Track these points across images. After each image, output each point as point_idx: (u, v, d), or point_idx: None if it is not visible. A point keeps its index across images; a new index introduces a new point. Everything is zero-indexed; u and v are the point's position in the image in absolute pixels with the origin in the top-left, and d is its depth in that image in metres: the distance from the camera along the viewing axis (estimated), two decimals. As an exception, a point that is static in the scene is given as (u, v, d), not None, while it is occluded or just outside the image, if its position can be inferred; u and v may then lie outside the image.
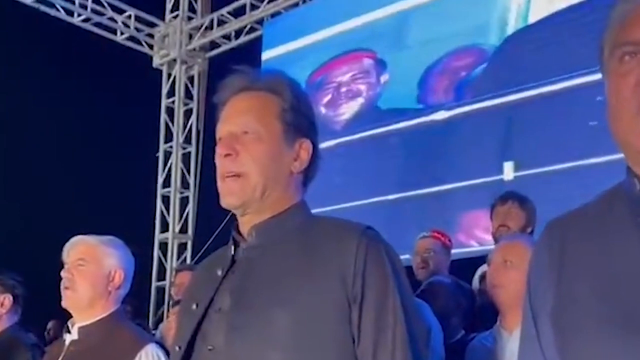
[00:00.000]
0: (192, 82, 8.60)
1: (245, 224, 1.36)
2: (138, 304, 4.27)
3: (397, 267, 1.29)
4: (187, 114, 8.51)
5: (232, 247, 1.35)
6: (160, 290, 8.06)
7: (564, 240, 1.02)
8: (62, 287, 2.17)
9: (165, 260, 8.28)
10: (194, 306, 1.33)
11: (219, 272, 1.33)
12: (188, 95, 8.56)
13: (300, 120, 1.37)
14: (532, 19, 5.65)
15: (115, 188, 7.30)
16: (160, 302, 8.00)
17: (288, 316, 1.22)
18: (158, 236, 8.35)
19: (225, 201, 1.34)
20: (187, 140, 8.49)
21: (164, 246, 8.34)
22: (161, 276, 8.18)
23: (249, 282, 1.29)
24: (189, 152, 8.45)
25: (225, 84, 1.39)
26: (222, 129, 1.36)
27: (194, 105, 8.49)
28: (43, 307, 3.15)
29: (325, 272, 1.24)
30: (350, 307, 1.22)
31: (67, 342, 2.16)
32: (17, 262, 2.91)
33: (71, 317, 2.20)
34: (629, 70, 0.94)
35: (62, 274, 2.18)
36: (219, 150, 1.33)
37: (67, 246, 2.22)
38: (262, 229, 1.34)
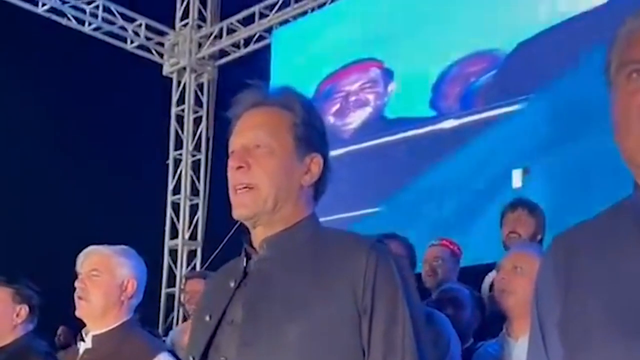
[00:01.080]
0: (201, 90, 8.65)
1: (257, 236, 1.39)
2: (145, 311, 4.29)
3: (406, 279, 1.31)
4: (197, 121, 8.57)
5: (244, 259, 1.38)
6: (170, 297, 8.10)
7: (570, 255, 1.03)
8: (75, 296, 2.21)
9: (175, 267, 8.33)
10: (207, 317, 1.36)
11: (232, 284, 1.36)
12: (198, 103, 8.61)
13: (312, 135, 1.40)
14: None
15: (125, 195, 7.35)
16: (170, 309, 8.04)
17: (299, 329, 1.24)
18: (168, 243, 8.40)
19: (237, 213, 1.36)
20: (197, 147, 8.54)
21: (174, 253, 8.39)
22: (171, 283, 8.21)
23: (261, 294, 1.31)
24: (199, 160, 8.50)
25: (238, 98, 1.43)
26: (235, 143, 1.39)
27: (203, 113, 8.54)
28: (55, 314, 3.18)
29: (335, 285, 1.26)
30: (360, 319, 1.25)
31: (81, 351, 2.19)
32: (30, 270, 2.93)
33: (84, 325, 2.24)
34: (636, 89, 0.94)
35: (76, 284, 2.21)
36: (232, 163, 1.37)
37: (81, 256, 2.25)
38: (274, 241, 1.36)
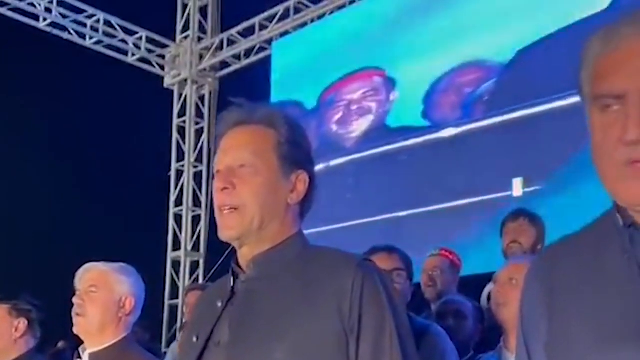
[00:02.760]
0: (203, 102, 8.68)
1: (244, 255, 1.39)
2: (148, 323, 4.30)
3: (392, 297, 1.32)
4: (198, 133, 8.59)
5: (232, 279, 1.38)
6: (173, 309, 8.10)
7: (554, 272, 1.04)
8: (73, 313, 2.21)
9: (178, 278, 8.33)
10: (195, 338, 1.36)
11: (219, 304, 1.36)
12: (199, 114, 8.64)
13: (296, 153, 1.39)
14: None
15: (127, 207, 7.37)
16: (172, 321, 8.04)
17: (285, 348, 1.25)
18: (170, 254, 8.41)
19: (223, 234, 1.36)
20: (199, 159, 8.56)
21: (176, 264, 8.40)
22: (174, 294, 8.22)
23: (248, 315, 1.32)
24: (201, 171, 8.52)
25: (222, 118, 1.43)
26: (219, 163, 1.39)
27: (205, 124, 8.57)
28: (55, 330, 3.19)
29: (322, 304, 1.27)
30: (348, 338, 1.25)
31: (78, 368, 2.20)
32: (30, 284, 2.95)
33: (82, 342, 2.24)
34: (612, 122, 0.93)
35: (74, 300, 2.22)
36: (217, 184, 1.36)
37: (79, 273, 2.25)
38: (260, 260, 1.36)
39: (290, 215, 1.39)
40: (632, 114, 0.91)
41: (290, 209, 1.39)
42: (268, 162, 1.36)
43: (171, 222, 8.42)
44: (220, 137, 1.41)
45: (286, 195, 1.38)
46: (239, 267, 1.39)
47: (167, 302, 8.17)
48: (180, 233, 8.39)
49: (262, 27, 7.98)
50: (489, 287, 3.38)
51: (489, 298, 3.33)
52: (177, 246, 8.40)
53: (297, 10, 7.73)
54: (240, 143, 1.38)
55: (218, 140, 1.42)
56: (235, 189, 1.34)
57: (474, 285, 3.85)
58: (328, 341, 1.24)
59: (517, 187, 5.45)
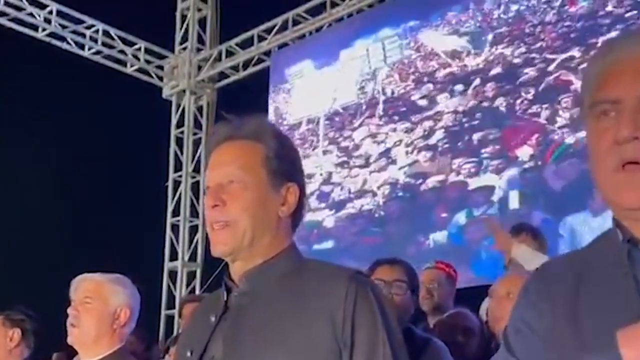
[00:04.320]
0: (201, 113, 8.70)
1: (237, 270, 1.39)
2: (144, 334, 4.29)
3: (385, 309, 1.32)
4: (196, 143, 8.60)
5: (225, 293, 1.38)
6: (170, 319, 8.08)
7: (552, 285, 1.05)
8: (68, 323, 2.21)
9: (175, 288, 8.32)
10: (189, 353, 1.36)
11: (212, 319, 1.36)
12: (197, 125, 8.66)
13: (285, 165, 1.39)
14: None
15: (125, 217, 7.36)
16: (169, 331, 8.01)
17: None
18: (167, 264, 8.40)
19: (216, 250, 1.37)
20: (196, 169, 8.56)
21: (173, 275, 8.38)
22: (170, 305, 8.20)
23: (241, 329, 1.32)
24: (198, 181, 8.52)
25: (211, 135, 1.44)
26: (209, 179, 1.40)
27: (202, 135, 8.58)
28: (50, 341, 3.19)
29: (315, 318, 1.27)
30: (341, 351, 1.26)
31: (72, 379, 2.20)
32: (25, 295, 2.95)
33: (76, 352, 2.24)
34: (606, 128, 0.97)
35: (69, 310, 2.22)
36: (207, 202, 1.37)
37: (74, 283, 2.26)
38: (253, 275, 1.36)
39: (282, 228, 1.39)
40: (625, 115, 0.95)
41: (281, 222, 1.39)
42: (257, 177, 1.37)
43: (168, 232, 8.42)
44: (210, 153, 1.42)
45: (277, 208, 1.38)
46: (232, 281, 1.39)
47: (163, 312, 8.15)
48: (177, 243, 8.38)
49: (261, 39, 8.01)
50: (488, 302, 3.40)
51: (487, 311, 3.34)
52: (174, 256, 8.39)
53: (296, 22, 7.76)
54: (228, 159, 1.39)
55: (208, 156, 1.43)
56: (226, 206, 1.35)
57: (474, 297, 3.86)
58: (321, 352, 1.25)
59: (514, 200, 5.49)
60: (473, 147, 5.95)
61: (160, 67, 8.71)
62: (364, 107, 6.89)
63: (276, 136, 1.40)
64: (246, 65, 8.31)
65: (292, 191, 1.40)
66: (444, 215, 5.93)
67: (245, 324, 1.32)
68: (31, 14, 7.74)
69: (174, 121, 8.68)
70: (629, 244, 0.98)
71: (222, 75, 8.59)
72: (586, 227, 5.00)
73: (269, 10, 7.74)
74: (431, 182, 6.11)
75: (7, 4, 7.61)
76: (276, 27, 7.85)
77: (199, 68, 8.59)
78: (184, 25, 8.70)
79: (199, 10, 8.67)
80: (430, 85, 6.42)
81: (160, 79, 8.77)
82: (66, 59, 7.95)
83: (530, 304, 1.06)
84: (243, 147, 1.39)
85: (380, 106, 6.75)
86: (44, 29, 7.84)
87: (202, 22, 8.71)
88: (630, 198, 0.95)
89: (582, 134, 5.22)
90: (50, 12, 7.82)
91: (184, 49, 8.65)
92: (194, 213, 8.47)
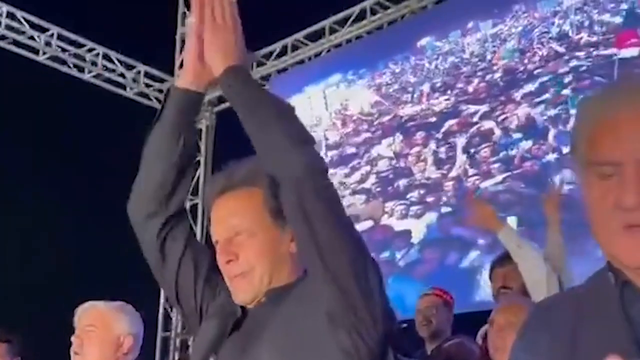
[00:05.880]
0: (200, 136, 8.73)
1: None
2: (141, 355, 4.30)
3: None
4: (195, 166, 8.62)
5: (239, 309, 1.43)
6: (166, 341, 8.06)
7: (549, 325, 1.06)
8: (72, 351, 2.24)
9: (171, 310, 8.30)
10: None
11: (226, 329, 1.42)
12: (196, 148, 8.67)
13: None
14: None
15: (121, 240, 7.36)
16: (165, 353, 8.00)
17: (274, 346, 1.32)
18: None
19: (238, 298, 1.42)
20: (194, 192, 8.57)
21: (170, 297, 8.37)
22: (167, 327, 8.19)
23: (253, 338, 1.37)
24: (196, 204, 8.53)
25: (207, 187, 1.50)
26: (216, 234, 1.44)
27: (201, 158, 8.61)
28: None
29: (311, 307, 1.31)
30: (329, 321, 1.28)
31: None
32: (28, 323, 2.97)
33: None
34: (608, 189, 0.95)
35: (72, 339, 2.25)
36: (220, 259, 1.42)
37: (78, 311, 2.29)
38: (271, 294, 1.41)
39: (295, 262, 1.42)
40: (629, 181, 0.93)
41: (293, 257, 1.42)
42: (261, 221, 1.40)
43: (165, 254, 8.41)
44: (209, 206, 1.47)
45: (287, 245, 1.41)
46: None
47: (159, 334, 8.13)
48: (175, 266, 8.37)
49: (260, 64, 8.09)
50: (485, 328, 3.42)
51: (483, 339, 3.36)
52: (171, 279, 8.39)
53: (295, 48, 7.85)
54: (229, 212, 1.43)
55: (207, 209, 1.48)
56: (239, 259, 1.39)
57: (466, 322, 3.89)
58: (318, 332, 1.28)
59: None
60: (400, 193, 6.39)
61: (160, 91, 8.76)
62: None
63: (270, 176, 1.40)
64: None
65: None
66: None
67: (255, 332, 1.36)
68: (32, 37, 7.81)
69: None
70: (623, 286, 0.99)
71: (222, 99, 8.63)
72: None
73: (268, 35, 7.82)
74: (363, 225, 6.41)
75: (8, 27, 7.67)
76: (275, 52, 7.93)
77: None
78: (184, 49, 8.76)
79: (199, 34, 8.75)
80: (369, 133, 6.91)
81: (160, 102, 8.79)
82: (66, 82, 8.00)
83: (528, 347, 1.07)
84: (241, 196, 1.43)
85: (323, 151, 6.98)
86: (44, 52, 7.90)
87: (201, 46, 8.77)
88: (638, 258, 0.94)
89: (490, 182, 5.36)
90: (51, 36, 7.88)
91: (184, 72, 8.70)
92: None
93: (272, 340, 1.32)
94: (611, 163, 0.94)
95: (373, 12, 7.25)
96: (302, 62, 7.85)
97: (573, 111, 5.47)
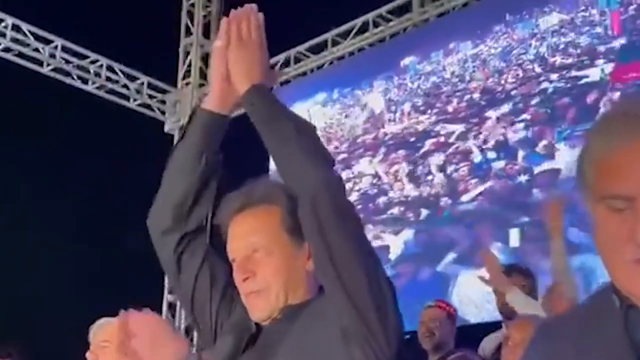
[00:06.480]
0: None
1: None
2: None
3: None
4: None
5: (254, 325, 1.45)
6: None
7: (552, 346, 1.08)
8: (87, 367, 2.28)
9: (174, 320, 8.33)
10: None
11: (240, 344, 1.43)
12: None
13: None
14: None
15: (124, 249, 7.41)
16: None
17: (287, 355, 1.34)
18: (167, 297, 8.42)
19: (254, 316, 1.43)
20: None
21: (172, 307, 8.40)
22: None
23: (266, 353, 1.39)
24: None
25: (224, 204, 1.49)
26: (233, 252, 1.45)
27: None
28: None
29: (325, 323, 1.33)
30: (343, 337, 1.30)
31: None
32: (39, 338, 3.01)
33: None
34: (619, 222, 0.93)
35: (87, 355, 2.29)
36: (237, 275, 1.43)
37: (93, 328, 2.33)
38: (287, 311, 1.42)
39: (312, 280, 1.43)
40: None
41: (310, 275, 1.42)
42: (279, 240, 1.41)
43: (168, 264, 8.44)
44: (226, 224, 1.47)
45: (304, 263, 1.41)
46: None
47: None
48: (177, 275, 8.40)
49: (263, 76, 8.12)
50: (492, 338, 3.47)
51: (497, 349, 3.39)
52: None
53: (297, 60, 7.91)
54: (248, 229, 1.44)
55: (224, 227, 1.47)
56: (256, 276, 1.40)
57: (468, 334, 3.93)
58: (331, 346, 1.30)
59: (514, 238, 5.61)
60: (380, 209, 6.57)
61: (163, 102, 8.83)
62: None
63: (287, 193, 1.42)
64: (245, 101, 8.39)
65: None
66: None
67: (272, 347, 1.38)
68: (36, 49, 7.87)
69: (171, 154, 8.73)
70: (627, 310, 0.99)
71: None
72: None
73: (271, 47, 7.83)
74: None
75: (13, 39, 7.73)
76: (278, 64, 7.98)
77: (201, 103, 8.68)
78: (187, 61, 8.83)
79: (202, 46, 8.81)
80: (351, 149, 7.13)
81: (163, 113, 8.88)
82: (70, 94, 8.06)
83: None
84: (260, 214, 1.44)
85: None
86: (48, 64, 7.97)
87: (204, 58, 8.82)
88: None
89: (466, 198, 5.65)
90: (55, 48, 7.94)
91: (187, 84, 8.77)
92: (194, 246, 8.49)
93: (286, 356, 1.35)
94: (623, 197, 0.92)
95: (375, 25, 7.32)
96: (304, 74, 7.91)
97: (547, 131, 5.66)
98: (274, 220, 1.43)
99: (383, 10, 7.26)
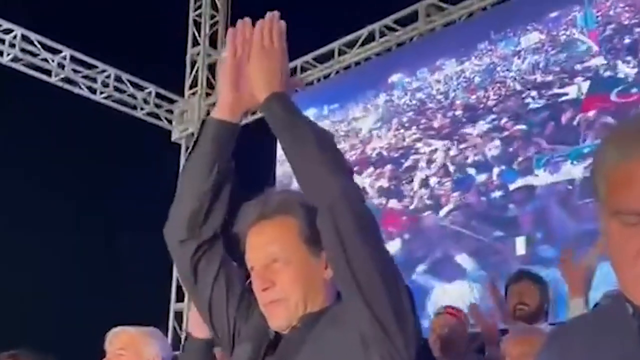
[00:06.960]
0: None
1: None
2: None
3: None
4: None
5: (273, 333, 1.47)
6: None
7: (565, 354, 1.09)
8: (102, 374, 2.31)
9: (181, 329, 8.34)
10: None
11: (260, 351, 1.46)
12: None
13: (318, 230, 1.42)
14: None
15: (132, 258, 7.44)
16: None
17: None
18: (174, 306, 8.44)
19: (273, 325, 1.45)
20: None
21: (179, 316, 8.42)
22: (176, 346, 8.21)
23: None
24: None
25: (241, 213, 1.51)
26: (252, 261, 1.47)
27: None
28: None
29: (344, 330, 1.35)
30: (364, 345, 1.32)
31: None
32: (56, 346, 3.03)
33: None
34: (632, 236, 0.94)
35: (103, 362, 2.32)
36: (256, 284, 1.45)
37: (109, 335, 2.36)
38: (305, 319, 1.44)
39: (330, 289, 1.46)
40: None
41: (327, 284, 1.45)
42: (296, 250, 1.44)
43: (174, 272, 8.45)
44: (244, 233, 1.49)
45: (321, 273, 1.44)
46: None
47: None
48: (184, 284, 8.41)
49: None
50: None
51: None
52: (180, 297, 8.44)
53: (304, 69, 7.95)
54: (267, 239, 1.46)
55: (242, 237, 1.50)
56: (275, 286, 1.43)
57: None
58: (350, 349, 1.32)
59: (520, 246, 5.61)
60: None
61: (170, 111, 8.88)
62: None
63: (303, 204, 1.44)
64: (255, 110, 8.42)
65: None
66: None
67: (294, 357, 1.40)
68: (45, 59, 7.93)
69: (183, 164, 8.76)
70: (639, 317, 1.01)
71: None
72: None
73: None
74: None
75: (22, 50, 7.80)
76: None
77: (208, 112, 8.73)
78: (194, 70, 8.88)
79: (209, 55, 8.87)
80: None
81: (170, 122, 8.93)
82: (78, 103, 8.11)
83: None
84: (278, 224, 1.46)
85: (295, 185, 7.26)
86: (57, 74, 8.02)
87: (211, 67, 8.88)
88: None
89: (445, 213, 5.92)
90: (64, 58, 8.00)
91: (194, 93, 8.83)
92: (201, 255, 8.50)
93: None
94: (635, 212, 0.93)
95: (382, 35, 7.36)
96: (311, 83, 7.95)
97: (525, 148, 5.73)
98: (292, 230, 1.45)
99: (389, 20, 7.30)
